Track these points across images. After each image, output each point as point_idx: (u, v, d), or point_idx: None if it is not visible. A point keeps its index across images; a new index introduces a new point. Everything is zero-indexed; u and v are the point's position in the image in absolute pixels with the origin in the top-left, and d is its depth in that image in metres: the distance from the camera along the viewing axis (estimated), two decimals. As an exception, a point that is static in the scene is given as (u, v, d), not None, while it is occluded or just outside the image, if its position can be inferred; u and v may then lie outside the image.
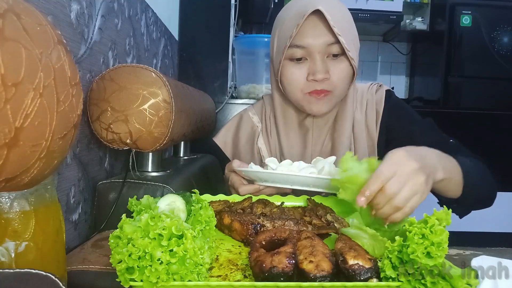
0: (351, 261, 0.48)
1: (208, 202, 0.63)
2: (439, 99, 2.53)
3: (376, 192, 0.61)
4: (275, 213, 0.71)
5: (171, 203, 0.56)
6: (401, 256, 0.47)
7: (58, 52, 0.42)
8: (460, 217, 0.89)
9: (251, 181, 0.85)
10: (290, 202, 0.83)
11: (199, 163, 1.46)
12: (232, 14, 2.03)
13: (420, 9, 2.85)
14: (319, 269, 0.47)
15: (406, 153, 0.64)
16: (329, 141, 1.01)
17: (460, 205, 0.85)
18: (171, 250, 0.44)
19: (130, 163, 0.97)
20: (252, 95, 2.02)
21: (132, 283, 0.44)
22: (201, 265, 0.46)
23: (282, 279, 0.46)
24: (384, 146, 0.99)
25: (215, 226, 0.63)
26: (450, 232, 0.46)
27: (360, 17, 2.58)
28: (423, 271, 0.44)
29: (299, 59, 0.91)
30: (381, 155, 0.99)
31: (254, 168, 0.82)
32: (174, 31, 1.91)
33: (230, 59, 2.07)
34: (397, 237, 0.48)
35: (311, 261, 0.48)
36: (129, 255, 0.43)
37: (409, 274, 0.45)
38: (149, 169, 1.03)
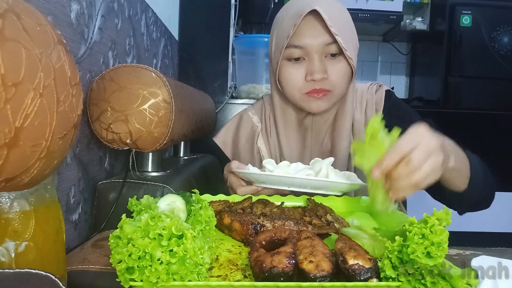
0: (351, 261, 0.48)
1: (208, 202, 0.63)
2: (439, 99, 2.53)
3: (393, 165, 0.58)
4: (275, 213, 0.71)
5: (171, 203, 0.56)
6: (401, 256, 0.47)
7: (58, 52, 0.42)
8: (461, 214, 0.89)
9: (249, 182, 0.85)
10: (290, 202, 0.83)
11: (199, 163, 1.46)
12: (232, 14, 2.03)
13: (420, 9, 2.85)
14: (319, 269, 0.47)
15: (429, 130, 0.62)
16: (329, 140, 1.01)
17: (464, 201, 0.83)
18: (171, 250, 0.44)
19: (130, 163, 0.97)
20: (252, 95, 2.02)
21: (132, 283, 0.44)
22: (201, 265, 0.46)
23: (282, 279, 0.46)
24: None
25: (215, 226, 0.63)
26: (450, 232, 0.46)
27: (360, 17, 2.58)
28: (423, 271, 0.44)
29: (297, 59, 0.91)
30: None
31: (251, 170, 0.82)
32: (174, 31, 1.91)
33: (230, 59, 2.07)
34: (397, 237, 0.48)
35: (311, 261, 0.48)
36: (129, 255, 0.43)
37: (409, 274, 0.45)
38: (149, 169, 1.03)
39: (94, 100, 0.88)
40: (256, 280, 0.48)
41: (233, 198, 0.82)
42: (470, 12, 2.46)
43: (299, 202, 0.83)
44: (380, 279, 0.47)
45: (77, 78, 0.46)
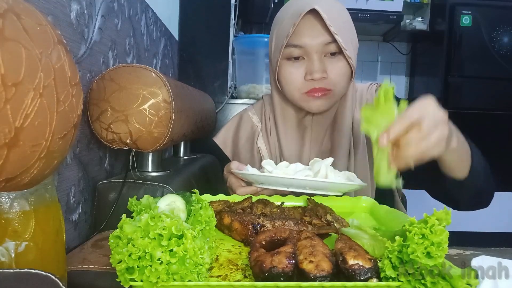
0: (351, 261, 0.48)
1: (208, 202, 0.63)
2: (439, 99, 2.50)
3: (402, 132, 0.59)
4: (275, 213, 0.71)
5: (171, 203, 0.56)
6: (401, 256, 0.47)
7: (58, 52, 0.42)
8: (460, 209, 0.87)
9: (249, 183, 0.85)
10: (290, 202, 0.83)
11: (199, 163, 1.46)
12: (232, 14, 2.03)
13: (420, 9, 2.85)
14: (319, 269, 0.47)
15: (436, 102, 0.63)
16: (329, 140, 1.01)
17: (464, 192, 0.82)
18: (171, 250, 0.44)
19: (130, 163, 0.97)
20: (252, 95, 2.02)
21: (132, 283, 0.44)
22: (201, 265, 0.46)
23: (282, 279, 0.46)
24: None
25: (215, 226, 0.63)
26: (450, 232, 0.46)
27: (360, 17, 2.58)
28: (423, 271, 0.44)
29: (296, 58, 0.92)
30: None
31: (250, 170, 0.83)
32: (174, 31, 1.91)
33: (230, 59, 2.07)
34: (397, 237, 0.48)
35: (311, 261, 0.48)
36: (129, 255, 0.43)
37: (409, 274, 0.45)
38: (149, 169, 1.03)
39: (94, 100, 0.88)
40: (256, 280, 0.48)
41: (233, 198, 0.82)
42: (470, 12, 2.46)
43: (299, 202, 0.83)
44: (380, 279, 0.47)
45: (77, 78, 0.46)
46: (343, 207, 0.82)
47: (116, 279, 0.44)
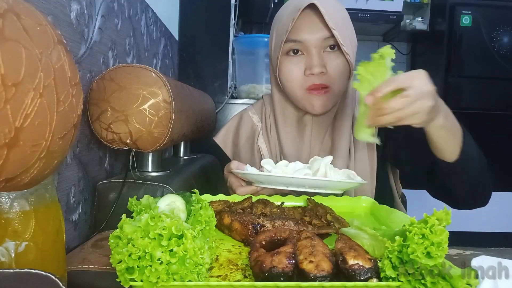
0: (351, 261, 0.48)
1: (208, 202, 0.63)
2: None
3: (386, 93, 0.63)
4: (275, 213, 0.71)
5: (171, 203, 0.56)
6: (401, 256, 0.47)
7: (58, 52, 0.42)
8: (459, 205, 0.87)
9: (249, 182, 0.85)
10: (290, 202, 0.83)
11: (199, 163, 1.46)
12: (232, 14, 2.03)
13: (420, 9, 2.85)
14: (319, 269, 0.47)
15: (427, 76, 0.66)
16: (329, 139, 1.01)
17: (456, 180, 0.83)
18: (171, 250, 0.44)
19: (130, 163, 0.97)
20: (252, 95, 2.02)
21: (132, 283, 0.44)
22: (201, 265, 0.46)
23: (282, 279, 0.46)
24: (383, 144, 0.99)
25: (215, 226, 0.63)
26: (450, 232, 0.46)
27: (360, 17, 2.58)
28: (423, 271, 0.44)
29: (295, 53, 0.93)
30: (380, 153, 0.99)
31: (250, 170, 0.83)
32: (174, 31, 1.91)
33: (230, 59, 2.06)
34: (397, 237, 0.48)
35: (311, 261, 0.48)
36: (129, 255, 0.43)
37: (409, 274, 0.45)
38: (149, 169, 1.03)
39: (94, 100, 0.88)
40: (256, 280, 0.48)
41: (233, 198, 0.82)
42: (470, 12, 2.46)
43: (299, 202, 0.83)
44: (380, 279, 0.47)
45: (77, 78, 0.46)
46: (343, 207, 0.82)
47: (116, 279, 0.44)
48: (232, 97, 2.08)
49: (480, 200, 0.91)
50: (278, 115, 1.04)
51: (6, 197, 0.41)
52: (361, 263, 0.47)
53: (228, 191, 0.91)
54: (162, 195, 0.67)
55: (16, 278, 0.37)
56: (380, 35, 3.02)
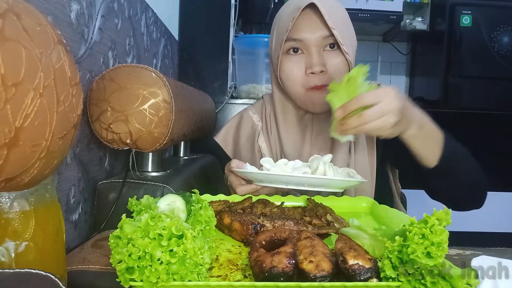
0: (351, 261, 0.48)
1: (208, 202, 0.63)
2: (439, 99, 2.53)
3: (351, 111, 0.70)
4: (275, 213, 0.71)
5: (171, 203, 0.56)
6: (401, 256, 0.46)
7: (58, 52, 0.42)
8: (460, 208, 0.90)
9: (250, 181, 0.85)
10: (290, 202, 0.83)
11: (199, 163, 1.46)
12: (232, 14, 2.03)
13: (420, 9, 2.85)
14: (319, 269, 0.47)
15: (397, 92, 0.72)
16: (329, 137, 1.01)
17: (442, 183, 0.86)
18: (171, 250, 0.44)
19: (130, 163, 0.97)
20: (252, 95, 2.02)
21: (132, 283, 0.44)
22: (201, 265, 0.46)
23: (282, 279, 0.46)
24: (383, 144, 0.99)
25: (215, 226, 0.63)
26: (450, 232, 0.46)
27: (360, 17, 2.58)
28: (423, 271, 0.44)
29: (296, 51, 0.93)
30: (379, 152, 0.99)
31: (249, 169, 0.83)
32: (174, 31, 1.91)
33: (230, 59, 2.06)
34: (397, 237, 0.48)
35: (311, 261, 0.48)
36: (129, 255, 0.43)
37: (409, 274, 0.45)
38: (149, 169, 1.03)
39: (94, 100, 0.88)
40: (256, 280, 0.48)
41: (233, 198, 0.82)
42: (470, 12, 2.46)
43: (299, 202, 0.83)
44: (380, 279, 0.47)
45: (77, 78, 0.46)
46: (343, 207, 0.82)
47: (116, 279, 0.44)
48: (232, 97, 2.08)
49: (473, 202, 0.92)
50: (279, 114, 1.04)
51: (6, 197, 0.41)
52: (361, 263, 0.47)
53: (228, 191, 0.91)
54: (162, 195, 0.67)
55: (16, 278, 0.37)
56: (380, 35, 3.02)
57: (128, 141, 0.89)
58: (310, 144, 1.02)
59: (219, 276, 0.51)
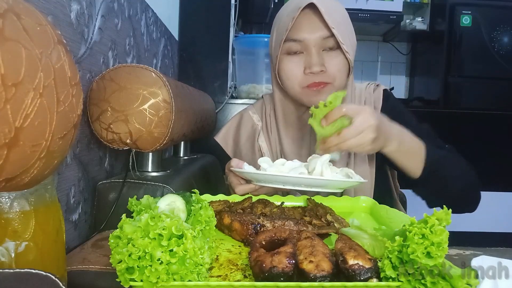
0: (351, 261, 0.48)
1: (208, 202, 0.63)
2: (439, 99, 2.53)
3: (334, 120, 0.75)
4: (275, 213, 0.71)
5: (171, 203, 0.56)
6: (401, 256, 0.46)
7: (58, 52, 0.42)
8: (430, 205, 0.93)
9: (249, 181, 0.85)
10: (290, 202, 0.83)
11: (199, 163, 1.45)
12: (232, 14, 2.03)
13: (420, 9, 2.85)
14: (319, 269, 0.47)
15: (371, 110, 0.76)
16: None
17: (428, 192, 0.91)
18: (171, 250, 0.44)
19: (130, 163, 0.97)
20: (252, 95, 2.02)
21: (132, 283, 0.44)
22: (201, 265, 0.46)
23: (282, 279, 0.46)
24: None
25: (215, 226, 0.63)
26: (450, 232, 0.46)
27: (360, 17, 2.58)
28: (423, 271, 0.44)
29: (295, 52, 0.93)
30: (380, 153, 0.99)
31: (246, 168, 0.83)
32: (174, 31, 1.91)
33: (230, 59, 2.06)
34: (397, 237, 0.48)
35: (311, 261, 0.48)
36: (129, 255, 0.43)
37: (409, 274, 0.45)
38: (149, 169, 1.03)
39: (94, 100, 0.88)
40: (256, 280, 0.48)
41: (233, 198, 0.82)
42: (470, 12, 2.46)
43: (299, 202, 0.83)
44: (380, 279, 0.47)
45: (77, 78, 0.46)
46: (343, 207, 0.82)
47: (116, 279, 0.44)
48: (232, 97, 2.08)
49: (464, 206, 0.93)
50: (279, 114, 1.04)
51: (6, 197, 0.41)
52: (361, 263, 0.47)
53: (228, 191, 0.92)
54: (162, 195, 0.67)
55: (16, 278, 0.37)
56: (380, 35, 3.02)
57: (128, 141, 0.89)
58: (310, 144, 1.02)
59: (219, 276, 0.51)
